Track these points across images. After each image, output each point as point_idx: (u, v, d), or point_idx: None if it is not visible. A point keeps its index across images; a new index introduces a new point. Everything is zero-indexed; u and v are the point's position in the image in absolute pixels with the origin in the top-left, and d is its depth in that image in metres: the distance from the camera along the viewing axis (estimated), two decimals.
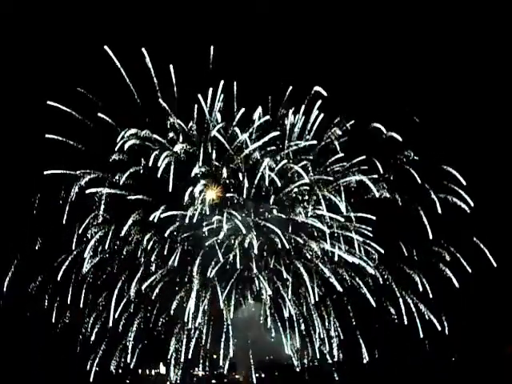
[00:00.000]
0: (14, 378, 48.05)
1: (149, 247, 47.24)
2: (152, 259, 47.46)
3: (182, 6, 51.46)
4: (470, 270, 46.54)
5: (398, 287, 48.02)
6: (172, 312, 48.42)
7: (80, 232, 45.94)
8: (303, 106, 49.15)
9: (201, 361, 51.57)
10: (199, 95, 47.40)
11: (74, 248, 46.13)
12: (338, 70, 49.55)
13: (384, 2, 52.79)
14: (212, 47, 46.48)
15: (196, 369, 53.36)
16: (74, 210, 45.53)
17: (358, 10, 52.61)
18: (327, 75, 49.00)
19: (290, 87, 48.14)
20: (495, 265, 46.07)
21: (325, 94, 47.51)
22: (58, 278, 45.73)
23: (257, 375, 53.36)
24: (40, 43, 49.44)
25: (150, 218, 46.03)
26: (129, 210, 46.62)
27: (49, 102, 45.13)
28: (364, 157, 47.85)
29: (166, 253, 47.39)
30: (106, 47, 44.96)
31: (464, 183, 46.59)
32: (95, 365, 49.42)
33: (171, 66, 46.52)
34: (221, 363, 50.95)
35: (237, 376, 54.73)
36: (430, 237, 46.06)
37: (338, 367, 51.78)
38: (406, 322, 47.41)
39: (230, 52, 47.50)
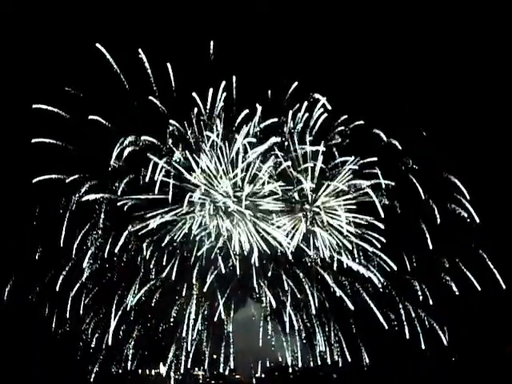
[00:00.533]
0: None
1: (148, 254, 47.19)
2: (151, 266, 47.44)
3: (181, 5, 50.79)
4: (478, 286, 46.46)
5: (398, 295, 48.11)
6: (172, 318, 48.59)
7: (79, 239, 45.89)
8: (303, 108, 48.73)
9: (201, 362, 51.88)
10: (198, 99, 47.06)
11: (73, 256, 46.10)
12: (338, 69, 49.09)
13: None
14: (212, 42, 46.56)
15: (196, 369, 53.47)
16: (73, 218, 45.32)
17: (359, 11, 51.93)
18: (326, 75, 48.54)
19: (295, 83, 47.83)
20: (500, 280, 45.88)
21: (325, 103, 46.98)
22: (57, 288, 45.72)
23: (257, 375, 53.65)
24: (31, 44, 48.71)
25: (149, 227, 45.81)
26: (128, 217, 46.37)
27: (36, 106, 44.84)
28: (375, 158, 47.33)
29: (165, 259, 47.39)
30: (98, 45, 44.65)
31: (465, 192, 46.38)
32: (96, 366, 49.76)
33: (169, 65, 46.25)
34: (221, 367, 51.43)
35: (237, 376, 54.91)
36: (430, 246, 46.05)
37: (337, 368, 51.89)
38: (407, 336, 47.77)
39: (230, 50, 47.25)
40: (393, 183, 47.36)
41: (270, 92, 47.66)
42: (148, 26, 48.62)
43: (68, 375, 50.01)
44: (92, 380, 50.08)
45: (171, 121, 47.11)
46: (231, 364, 51.91)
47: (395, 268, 46.81)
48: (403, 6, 50.32)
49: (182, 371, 50.45)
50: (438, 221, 46.26)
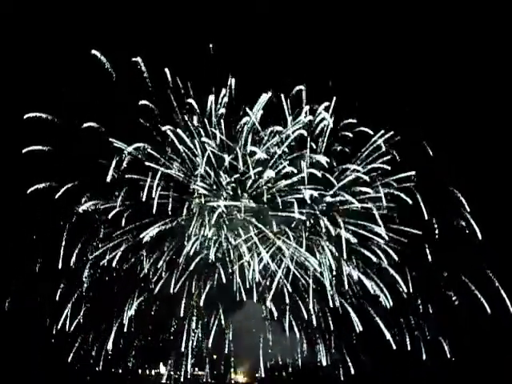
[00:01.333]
0: None
1: (147, 264, 47.13)
2: (150, 276, 47.39)
3: (180, 6, 49.97)
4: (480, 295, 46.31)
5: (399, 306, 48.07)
6: (172, 328, 48.79)
7: (78, 250, 45.73)
8: (303, 112, 47.96)
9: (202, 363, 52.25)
10: (195, 106, 46.75)
11: (72, 266, 45.94)
12: (338, 70, 48.27)
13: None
14: (211, 45, 45.88)
15: (196, 369, 53.90)
16: (73, 228, 45.23)
17: (359, 11, 51.08)
18: (326, 75, 47.79)
19: (302, 86, 47.40)
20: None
21: (325, 114, 46.33)
22: (57, 298, 45.94)
23: (257, 375, 54.11)
24: (27, 47, 48.17)
25: (145, 238, 45.62)
26: (126, 226, 46.15)
27: (29, 115, 44.48)
28: (389, 168, 46.98)
29: (164, 268, 47.34)
30: (94, 51, 44.28)
31: (465, 203, 46.00)
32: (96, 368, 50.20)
33: (167, 70, 45.83)
34: (221, 367, 51.70)
35: (237, 376, 55.36)
36: (429, 258, 45.90)
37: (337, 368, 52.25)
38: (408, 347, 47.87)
39: (230, 51, 46.54)
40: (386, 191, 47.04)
41: (270, 93, 47.03)
42: (146, 26, 48.09)
43: (68, 375, 50.50)
44: (92, 380, 50.41)
45: (170, 127, 46.54)
46: (231, 364, 52.24)
47: (406, 289, 46.55)
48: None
49: (182, 380, 50.62)
50: (437, 231, 46.11)
